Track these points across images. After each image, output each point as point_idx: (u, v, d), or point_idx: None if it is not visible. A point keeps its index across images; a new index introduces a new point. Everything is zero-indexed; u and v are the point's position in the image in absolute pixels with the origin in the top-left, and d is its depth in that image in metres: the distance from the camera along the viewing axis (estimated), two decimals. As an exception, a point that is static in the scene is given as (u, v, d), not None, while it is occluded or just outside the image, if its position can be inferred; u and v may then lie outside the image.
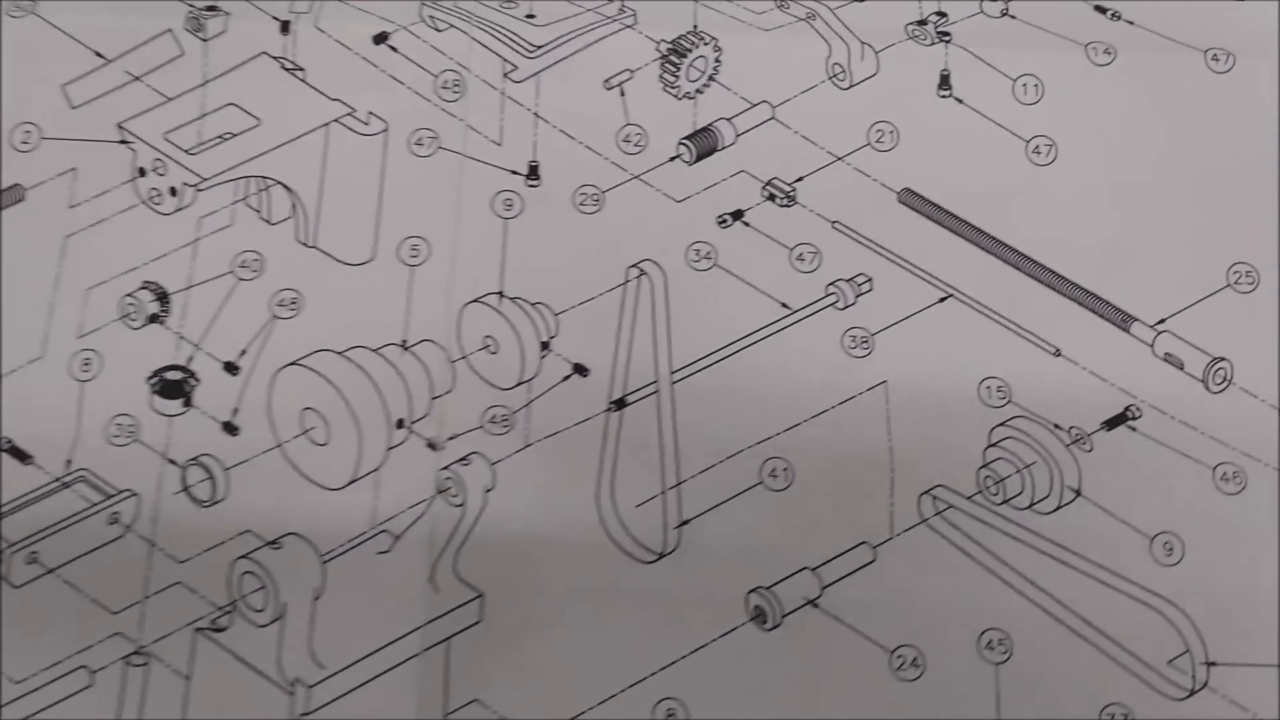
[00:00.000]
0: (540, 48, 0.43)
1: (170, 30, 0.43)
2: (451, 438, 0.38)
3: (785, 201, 0.42)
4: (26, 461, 0.38)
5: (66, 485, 0.38)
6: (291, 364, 0.38)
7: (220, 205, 0.41)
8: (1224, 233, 0.41)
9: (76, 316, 0.39)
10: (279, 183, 0.41)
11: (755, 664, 0.36)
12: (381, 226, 0.41)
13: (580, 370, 0.40)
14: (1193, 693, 0.37)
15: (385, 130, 0.41)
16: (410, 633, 0.36)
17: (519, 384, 0.39)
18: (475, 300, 0.40)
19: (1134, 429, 0.39)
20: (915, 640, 0.37)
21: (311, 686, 0.36)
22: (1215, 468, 0.39)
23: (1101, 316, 0.41)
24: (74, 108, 0.42)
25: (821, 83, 0.43)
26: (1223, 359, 0.40)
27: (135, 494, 0.37)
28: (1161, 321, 0.40)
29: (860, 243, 0.41)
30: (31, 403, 0.38)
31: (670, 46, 0.43)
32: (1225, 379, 0.40)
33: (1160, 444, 0.39)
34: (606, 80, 0.43)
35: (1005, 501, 0.38)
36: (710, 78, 0.43)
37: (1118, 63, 0.43)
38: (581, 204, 0.41)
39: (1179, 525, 0.38)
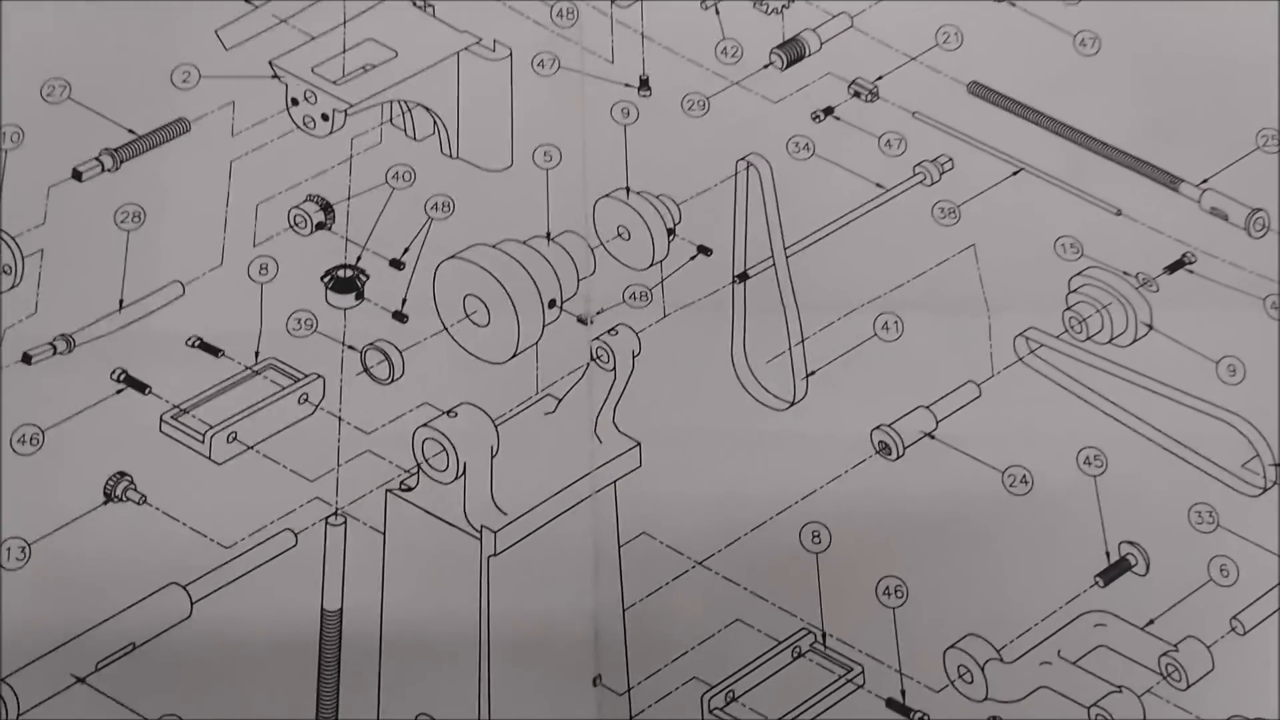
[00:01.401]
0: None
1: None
2: (599, 312, 0.43)
3: (869, 97, 0.47)
4: (218, 355, 0.42)
5: (257, 373, 0.42)
6: (451, 257, 0.43)
7: (369, 127, 0.45)
8: (1249, 103, 0.47)
9: (249, 228, 0.43)
10: (420, 105, 0.45)
11: (884, 490, 0.41)
12: (515, 137, 0.45)
13: (704, 250, 0.44)
14: (1265, 490, 0.42)
15: (510, 55, 0.46)
16: (580, 479, 0.41)
17: (652, 264, 0.44)
18: (606, 196, 0.45)
19: (1192, 271, 0.45)
20: (1022, 461, 0.42)
21: (497, 531, 0.40)
22: (1264, 299, 0.44)
23: (1153, 179, 0.46)
24: (227, 49, 0.46)
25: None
26: (1260, 209, 0.46)
27: (320, 377, 0.42)
28: (1205, 181, 0.46)
29: (939, 129, 0.47)
30: (215, 304, 0.42)
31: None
32: (1264, 226, 0.46)
33: (1215, 282, 0.45)
34: (703, 1, 0.48)
35: (1089, 338, 0.44)
36: (792, -4, 0.48)
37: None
38: (690, 109, 0.46)
39: (1239, 349, 0.44)
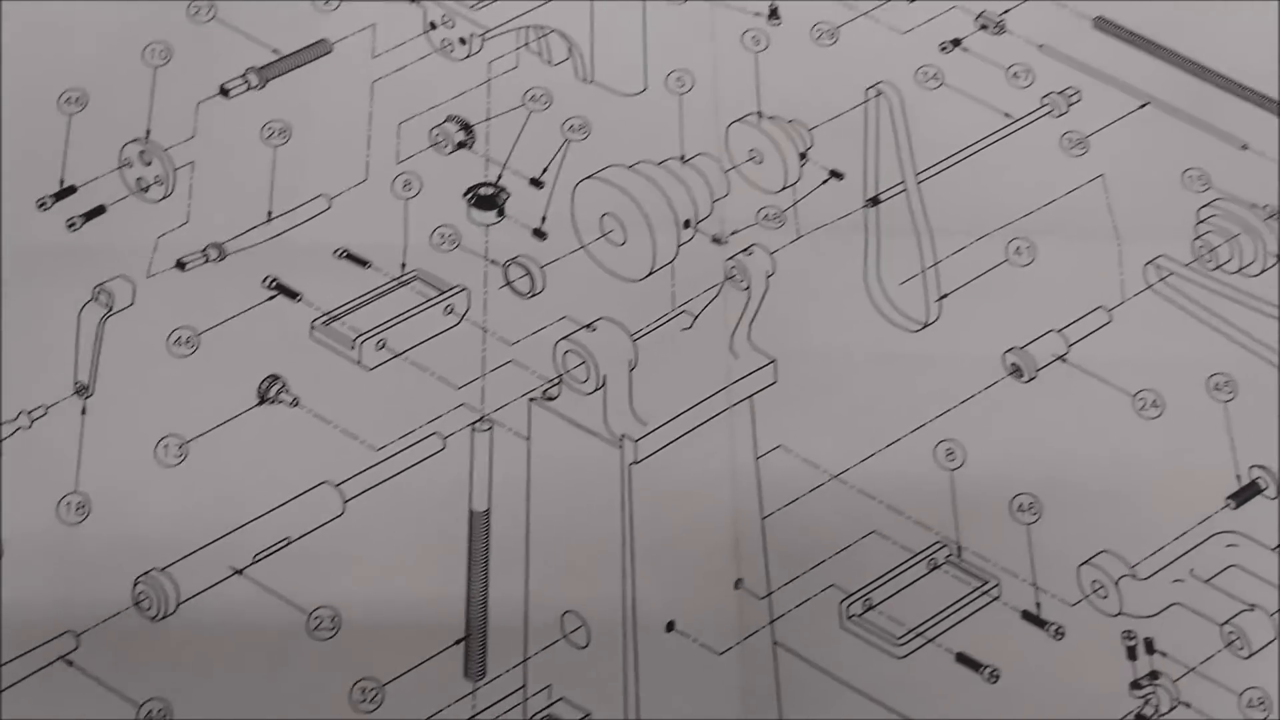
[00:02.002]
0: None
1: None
2: (734, 233, 0.44)
3: (996, 30, 0.47)
4: (365, 266, 0.43)
5: (404, 284, 0.43)
6: (588, 177, 0.44)
7: (505, 51, 0.46)
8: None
9: (392, 146, 0.44)
10: (555, 30, 0.46)
11: (1016, 411, 0.42)
12: (649, 63, 0.46)
13: (835, 175, 0.45)
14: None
15: (642, -16, 0.48)
16: (717, 393, 0.42)
17: (784, 188, 0.45)
18: (738, 120, 0.45)
19: (1318, 203, 0.46)
20: (1153, 385, 0.42)
21: (638, 440, 0.41)
22: (1392, 232, 0.45)
23: (1277, 115, 0.47)
24: (367, -25, 0.48)
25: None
26: (1386, 145, 0.46)
27: (465, 289, 0.43)
28: (1331, 117, 0.47)
29: (1065, 62, 0.47)
30: (361, 218, 0.43)
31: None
32: (1390, 162, 0.46)
33: (1343, 215, 0.45)
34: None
35: (1217, 267, 0.44)
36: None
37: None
38: (819, 38, 0.47)
39: (1366, 279, 0.45)
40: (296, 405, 0.41)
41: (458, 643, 0.38)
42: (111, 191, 0.43)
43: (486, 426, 0.41)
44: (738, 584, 0.40)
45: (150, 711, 0.37)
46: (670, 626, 0.39)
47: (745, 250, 0.44)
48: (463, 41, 0.46)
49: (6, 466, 0.40)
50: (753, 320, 0.43)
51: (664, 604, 0.39)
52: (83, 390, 0.41)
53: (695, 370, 0.42)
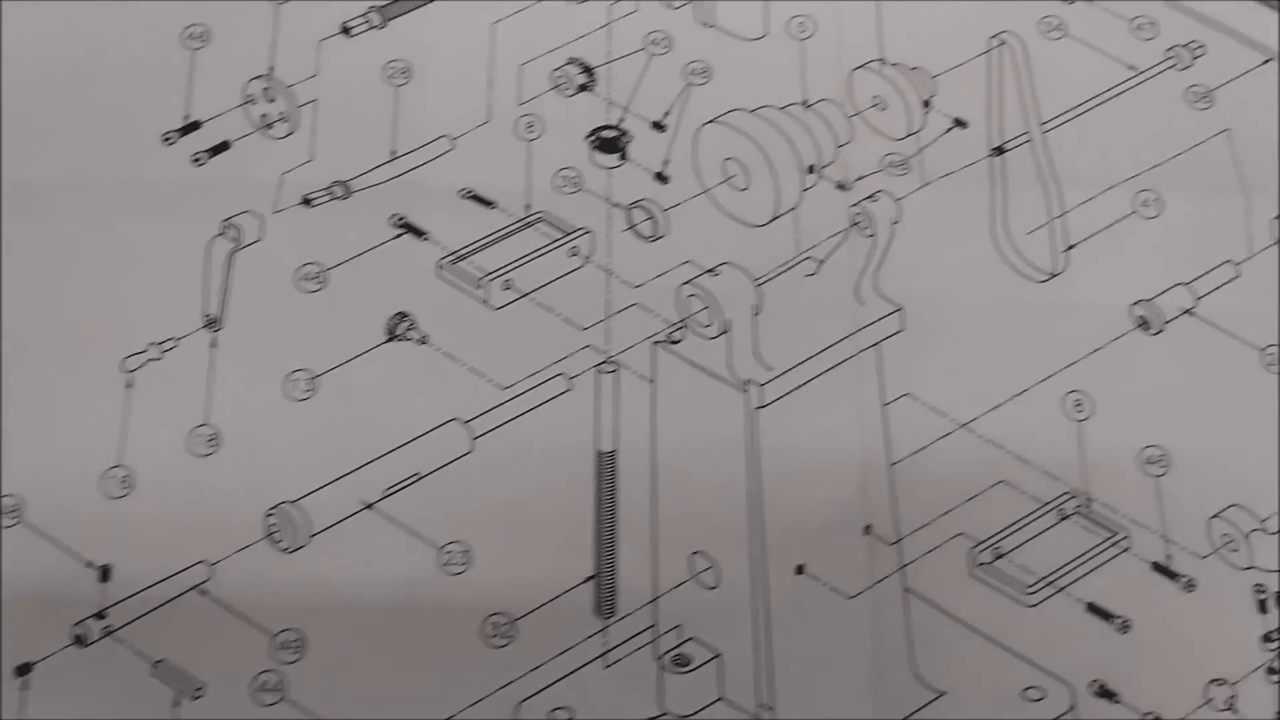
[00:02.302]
0: None
1: None
2: (858, 179, 0.44)
3: (1121, -19, 0.47)
4: (490, 206, 0.43)
5: (529, 225, 0.43)
6: (711, 121, 0.44)
7: (625, -6, 0.46)
8: None
9: (514, 88, 0.44)
10: (675, -26, 0.46)
11: (1144, 363, 0.41)
12: (769, 8, 0.46)
13: (960, 124, 0.45)
14: None
15: (763, -71, 0.47)
16: (843, 339, 0.41)
17: (908, 135, 0.44)
18: (861, 66, 0.45)
19: None
20: (1281, 341, 0.42)
21: (763, 385, 0.41)
22: None
23: None
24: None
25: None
26: None
27: (589, 231, 0.43)
28: None
29: (1188, 14, 0.46)
30: (483, 159, 0.43)
31: None
32: None
33: None
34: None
35: (1348, 223, 0.44)
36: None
37: None
38: (942, -13, 0.47)
39: None
40: (424, 343, 0.41)
41: (587, 580, 0.39)
42: (235, 128, 0.43)
43: (611, 368, 0.41)
44: (867, 529, 0.39)
45: (284, 641, 0.38)
46: (800, 570, 0.39)
47: (870, 197, 0.43)
48: (583, -16, 0.46)
49: (137, 398, 0.40)
50: (878, 267, 0.43)
51: (793, 547, 0.39)
52: (212, 323, 0.41)
53: (821, 316, 0.42)
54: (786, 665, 0.38)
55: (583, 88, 0.45)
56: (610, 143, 0.44)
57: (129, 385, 0.40)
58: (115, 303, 0.41)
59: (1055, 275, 0.43)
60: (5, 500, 0.39)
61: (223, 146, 0.43)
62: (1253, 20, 0.47)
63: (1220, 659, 0.38)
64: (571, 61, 0.45)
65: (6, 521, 0.38)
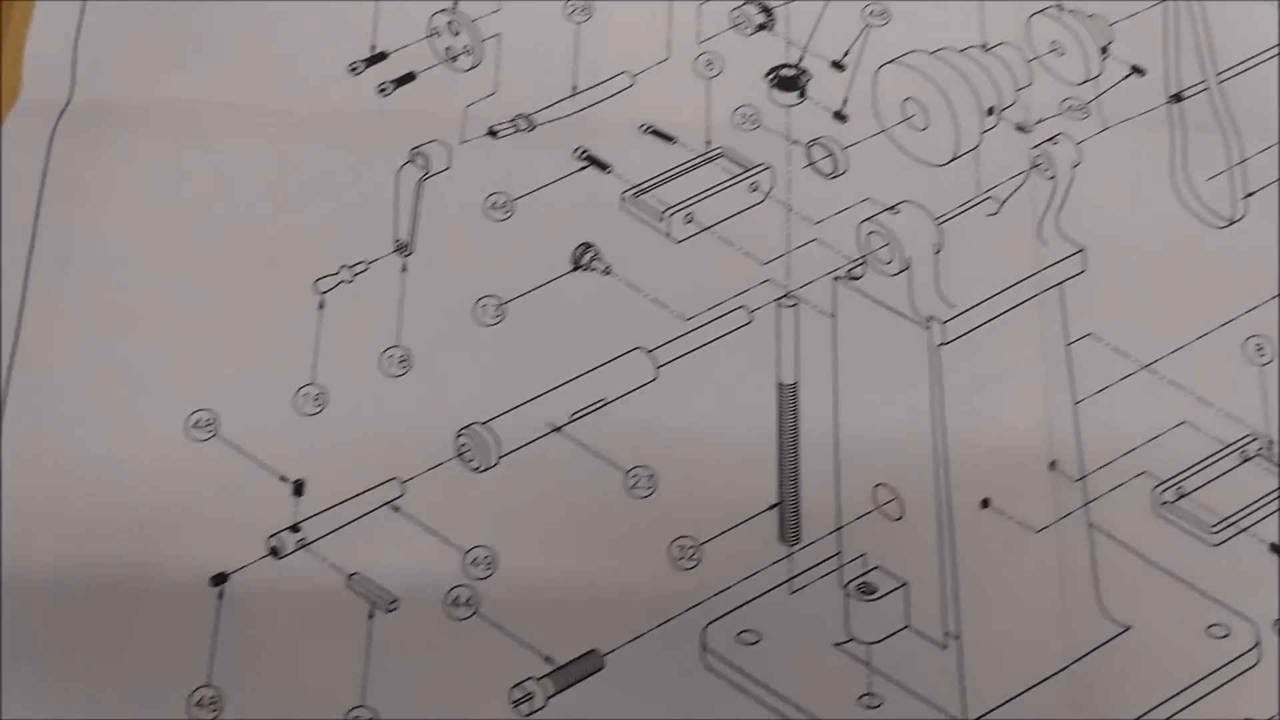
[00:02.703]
0: None
1: None
2: (1038, 122, 0.44)
3: (1300, -68, 0.47)
4: (670, 141, 0.43)
5: (710, 160, 0.43)
6: (890, 61, 0.44)
7: (801, -64, 0.47)
8: None
9: (693, 26, 0.44)
10: (850, -82, 0.46)
11: (1326, 311, 0.42)
12: (946, -48, 0.46)
13: (1137, 70, 0.44)
14: None
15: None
16: (1025, 279, 0.42)
17: (1085, 81, 0.44)
18: (1039, 11, 0.45)
19: None
20: None
21: (945, 322, 0.41)
22: None
23: None
24: None
25: None
26: None
27: (768, 167, 0.43)
28: None
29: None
30: (663, 95, 0.44)
31: None
32: None
33: None
34: None
35: None
36: None
37: None
38: (1117, -65, 0.47)
39: None
40: (608, 273, 0.42)
41: (771, 508, 0.39)
42: (421, 60, 0.44)
43: (792, 303, 0.42)
44: (1052, 465, 0.40)
45: (475, 558, 0.39)
46: (985, 503, 0.39)
47: (1051, 139, 0.43)
48: (757, -74, 0.47)
49: (329, 319, 0.41)
50: (1060, 209, 0.43)
51: (977, 481, 0.39)
52: (402, 248, 0.42)
53: (1002, 256, 0.42)
54: (972, 596, 0.38)
55: (761, 27, 0.45)
56: (789, 81, 0.44)
57: (321, 306, 0.41)
58: (307, 226, 0.41)
59: (1234, 222, 0.43)
60: (201, 415, 0.40)
61: (408, 78, 0.44)
62: None
63: None
64: (750, 1, 0.45)
65: (202, 435, 0.40)
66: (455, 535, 0.38)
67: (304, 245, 0.41)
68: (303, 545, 0.38)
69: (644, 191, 0.42)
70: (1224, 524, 0.39)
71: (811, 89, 0.44)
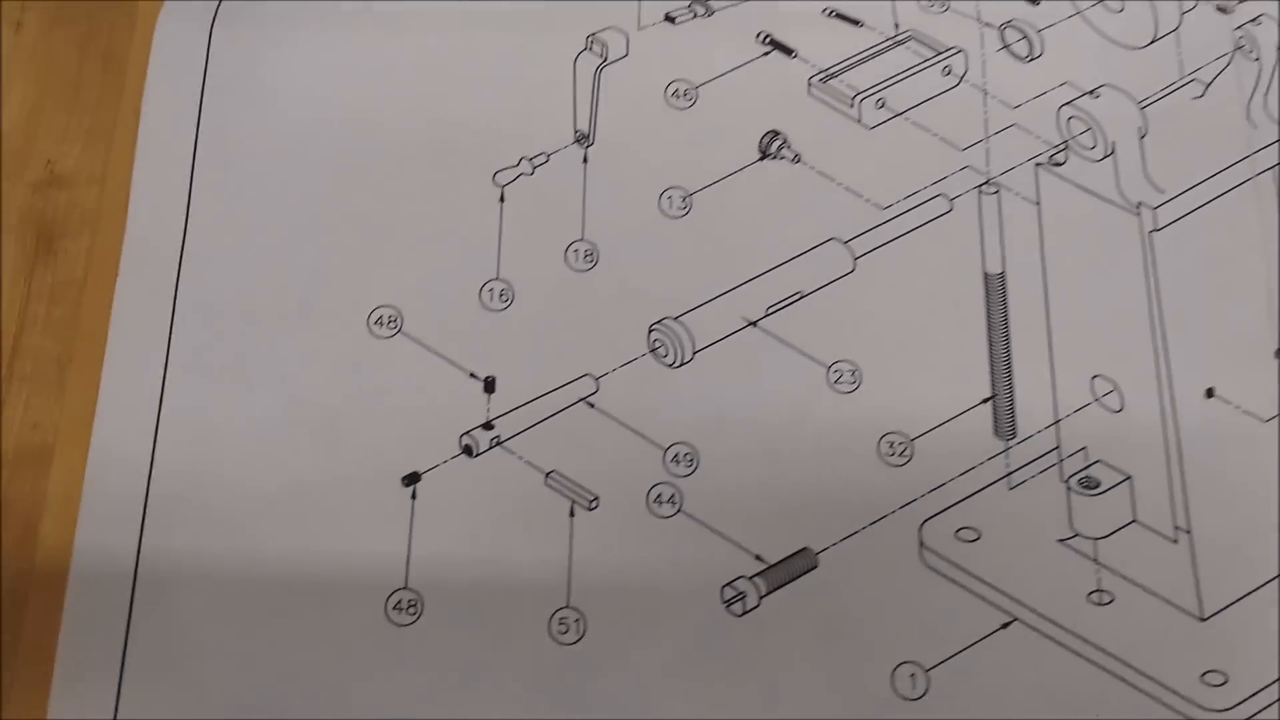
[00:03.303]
0: None
1: None
2: (1240, 1, 0.42)
3: None
4: (856, 25, 0.42)
5: (899, 44, 0.41)
6: (1082, -60, 0.42)
7: None
8: None
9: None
10: None
11: None
12: None
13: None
14: None
15: None
16: (1238, 162, 0.40)
17: (1288, -41, 0.43)
18: (1235, -112, 0.43)
19: None
20: None
21: (1156, 208, 0.39)
22: None
23: None
24: None
25: None
26: None
27: (961, 50, 0.41)
28: None
29: None
30: (845, -20, 0.42)
31: None
32: None
33: None
34: None
35: None
36: None
37: None
38: None
39: None
40: (798, 161, 0.40)
41: (984, 402, 0.37)
42: (588, -54, 0.43)
43: (994, 190, 0.40)
44: (1278, 353, 0.38)
45: (676, 455, 0.37)
46: (1210, 393, 0.38)
47: (1254, 20, 0.42)
48: None
49: (510, 212, 0.40)
50: (1267, 90, 0.41)
51: (1199, 370, 0.37)
52: (583, 139, 0.40)
53: (1211, 139, 0.40)
54: (1200, 489, 0.36)
55: (942, -92, 0.43)
56: (976, -37, 0.43)
57: (501, 199, 0.40)
58: (483, 118, 0.40)
59: None
60: (384, 311, 0.39)
61: (578, -36, 0.43)
62: None
63: None
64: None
65: (386, 333, 0.39)
66: (653, 432, 0.37)
67: (481, 137, 0.39)
68: (497, 443, 0.37)
69: (832, 76, 0.41)
70: None
71: (1001, -30, 0.43)
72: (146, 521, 0.36)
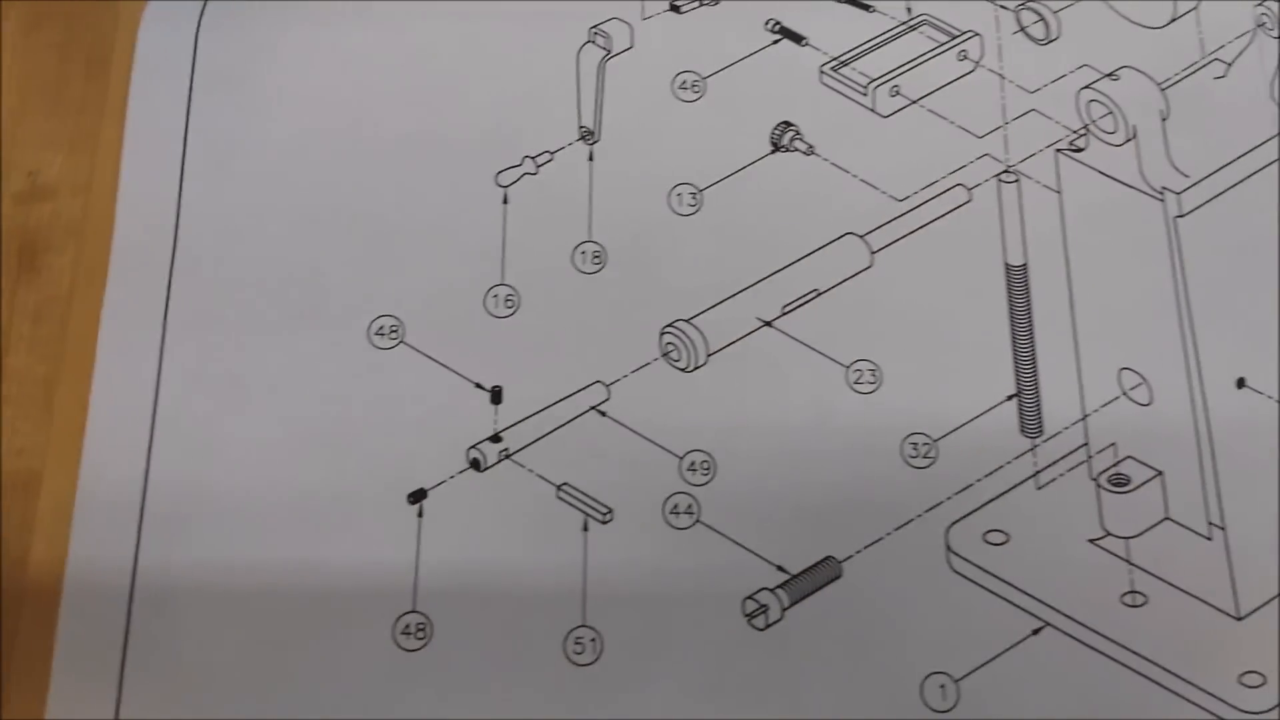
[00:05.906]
0: None
1: None
2: (1263, -24, 0.41)
3: None
4: (868, 10, 0.40)
5: (912, 28, 0.40)
6: (1098, -84, 0.41)
7: None
8: None
9: (878, -114, 0.42)
10: None
11: None
12: None
13: (1366, -83, 0.41)
14: None
15: None
16: (1264, 143, 0.38)
17: (1311, -69, 0.41)
18: None
19: None
20: None
21: (1180, 193, 0.38)
22: None
23: None
24: None
25: None
26: None
27: (976, 34, 0.40)
28: None
29: None
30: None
31: None
32: None
33: None
34: None
35: None
36: None
37: None
38: None
39: None
40: (811, 154, 0.39)
41: (1009, 399, 0.36)
42: (588, -67, 0.41)
43: (1013, 178, 0.39)
44: (1307, 339, 0.37)
45: (692, 463, 0.36)
46: (1241, 383, 0.37)
47: (1278, -5, 0.41)
48: None
49: (514, 214, 0.38)
50: (1289, 71, 0.40)
51: (1230, 360, 0.36)
52: (588, 136, 0.39)
53: (1235, 120, 0.38)
54: (1234, 483, 0.35)
55: (952, -115, 0.42)
56: (989, -58, 0.41)
57: (505, 201, 0.38)
58: (484, 116, 0.38)
59: None
60: (384, 321, 0.37)
61: (577, -48, 0.41)
62: None
63: None
64: None
65: (386, 343, 0.37)
66: (668, 440, 0.35)
67: (482, 136, 0.38)
68: (506, 456, 0.36)
69: (844, 64, 0.39)
70: None
71: (1014, -51, 0.41)
72: (141, 543, 0.35)
